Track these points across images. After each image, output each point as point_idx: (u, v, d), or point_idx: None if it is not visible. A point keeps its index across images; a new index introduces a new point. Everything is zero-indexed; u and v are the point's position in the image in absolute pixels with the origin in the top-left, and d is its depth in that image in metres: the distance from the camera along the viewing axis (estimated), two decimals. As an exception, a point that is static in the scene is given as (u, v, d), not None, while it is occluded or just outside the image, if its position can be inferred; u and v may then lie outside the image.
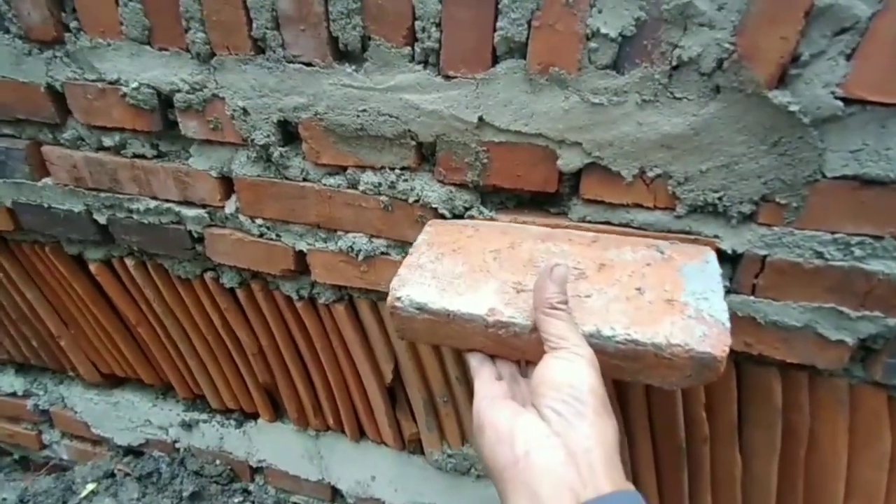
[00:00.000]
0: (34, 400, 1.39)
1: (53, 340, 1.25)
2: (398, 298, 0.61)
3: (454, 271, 0.64)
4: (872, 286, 0.65)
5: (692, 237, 0.69)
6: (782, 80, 0.56)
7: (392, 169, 0.76)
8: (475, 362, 0.60)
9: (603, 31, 0.58)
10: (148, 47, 0.76)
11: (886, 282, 0.64)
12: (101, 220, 0.96)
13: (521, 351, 0.58)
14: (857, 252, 0.64)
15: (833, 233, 0.64)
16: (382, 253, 0.83)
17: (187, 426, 1.30)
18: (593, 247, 0.68)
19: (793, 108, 0.56)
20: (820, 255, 0.65)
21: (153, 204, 0.91)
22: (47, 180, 0.95)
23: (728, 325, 0.55)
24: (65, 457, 1.49)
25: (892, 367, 0.70)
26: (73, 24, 0.77)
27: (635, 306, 0.58)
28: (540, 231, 0.72)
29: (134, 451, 1.40)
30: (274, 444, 1.26)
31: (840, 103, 0.55)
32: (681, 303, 0.58)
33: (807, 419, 0.80)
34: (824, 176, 0.60)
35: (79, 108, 0.84)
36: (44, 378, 1.41)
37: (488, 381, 0.55)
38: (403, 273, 0.65)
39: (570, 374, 0.47)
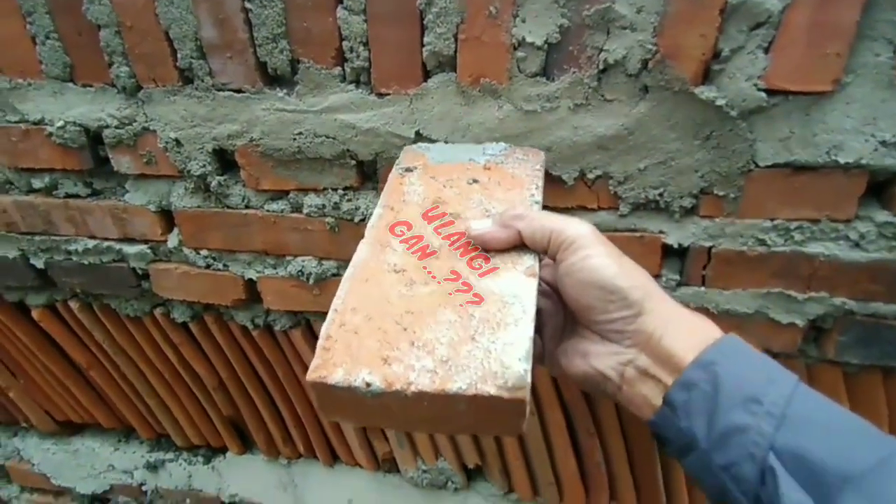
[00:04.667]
0: (-13, 456, 1.32)
1: (2, 392, 1.19)
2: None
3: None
4: (815, 268, 0.66)
5: (638, 234, 0.69)
6: (707, 76, 0.57)
7: (335, 190, 0.74)
8: None
9: (528, 39, 0.58)
10: (71, 84, 0.73)
11: (827, 263, 0.65)
12: (39, 264, 0.91)
13: None
14: (797, 237, 0.65)
15: (772, 219, 0.65)
16: (333, 274, 0.81)
17: (153, 467, 1.25)
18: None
19: (720, 102, 0.57)
20: (762, 242, 0.66)
21: (92, 244, 0.87)
22: (-24, 228, 0.90)
23: None
24: (26, 512, 1.42)
25: (843, 345, 0.71)
26: (-12, 66, 0.74)
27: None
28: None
29: (99, 499, 1.33)
30: (245, 477, 1.22)
31: (763, 94, 0.56)
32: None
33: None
34: (757, 165, 0.61)
35: (3, 152, 0.80)
36: (-4, 432, 1.34)
37: None
38: None
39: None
